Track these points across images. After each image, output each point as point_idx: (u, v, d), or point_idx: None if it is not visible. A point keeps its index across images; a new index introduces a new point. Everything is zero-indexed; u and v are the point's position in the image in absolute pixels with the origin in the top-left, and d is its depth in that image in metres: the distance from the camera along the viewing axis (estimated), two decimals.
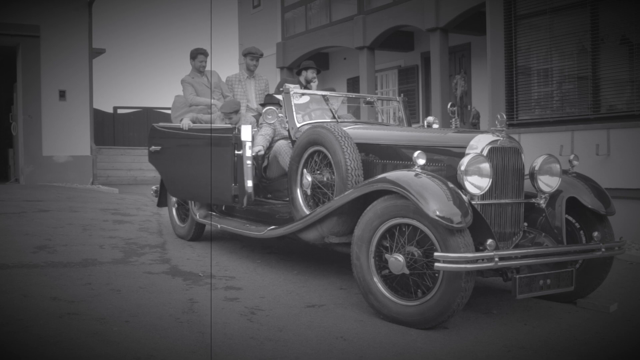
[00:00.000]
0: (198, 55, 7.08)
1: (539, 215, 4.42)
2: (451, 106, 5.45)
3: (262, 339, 3.67)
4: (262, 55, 7.26)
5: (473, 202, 3.98)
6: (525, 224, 4.40)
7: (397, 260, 3.95)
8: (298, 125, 5.57)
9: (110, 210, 8.99)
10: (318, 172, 5.04)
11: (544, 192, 4.41)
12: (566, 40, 7.64)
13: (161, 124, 6.93)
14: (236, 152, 5.48)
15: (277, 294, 4.75)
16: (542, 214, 4.40)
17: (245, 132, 5.38)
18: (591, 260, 4.46)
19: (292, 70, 14.30)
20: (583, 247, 4.34)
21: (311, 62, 7.54)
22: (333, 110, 5.81)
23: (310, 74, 7.28)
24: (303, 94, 5.86)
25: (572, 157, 4.79)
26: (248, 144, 5.40)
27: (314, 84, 7.29)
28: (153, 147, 6.65)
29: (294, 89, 5.76)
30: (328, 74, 15.53)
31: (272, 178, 5.87)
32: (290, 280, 5.21)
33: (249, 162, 5.41)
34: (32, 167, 13.33)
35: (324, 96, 5.94)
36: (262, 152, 5.87)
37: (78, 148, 13.45)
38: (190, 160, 6.27)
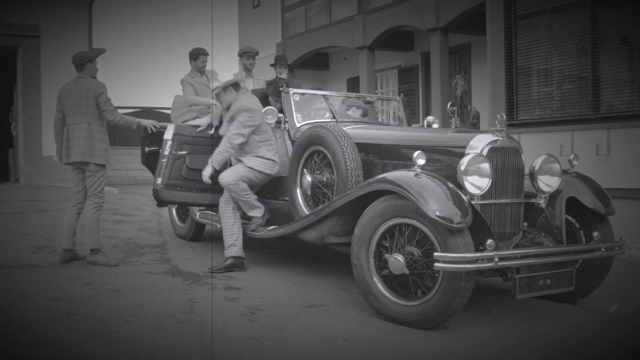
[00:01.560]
0: (200, 55, 7.07)
1: (538, 215, 4.42)
2: (451, 106, 5.45)
3: (262, 339, 3.67)
4: (257, 53, 7.23)
5: (473, 202, 3.98)
6: (525, 224, 4.40)
7: (397, 260, 3.95)
8: (298, 125, 5.57)
9: (110, 210, 8.98)
10: (318, 172, 5.04)
11: (543, 192, 4.41)
12: (566, 40, 7.64)
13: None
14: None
15: (277, 294, 4.75)
16: (542, 214, 4.40)
17: (168, 131, 5.63)
18: (591, 260, 4.46)
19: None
20: (583, 247, 4.34)
21: (281, 57, 7.52)
22: (333, 110, 5.81)
23: (278, 68, 7.34)
24: (304, 94, 5.85)
25: (572, 157, 4.79)
26: (169, 143, 5.61)
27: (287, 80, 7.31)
28: (148, 148, 6.60)
29: (292, 89, 5.76)
30: (328, 74, 15.53)
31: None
32: (290, 280, 5.21)
33: (164, 160, 5.59)
34: (32, 167, 13.33)
35: (324, 96, 5.95)
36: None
37: None
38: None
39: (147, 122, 6.03)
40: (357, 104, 6.24)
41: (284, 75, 7.40)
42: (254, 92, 6.51)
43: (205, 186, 5.59)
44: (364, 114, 6.14)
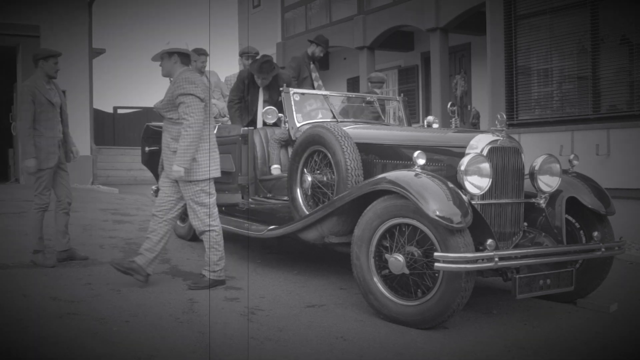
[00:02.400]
0: (199, 56, 7.09)
1: (538, 215, 4.42)
2: (451, 106, 5.45)
3: (262, 339, 3.67)
4: (257, 53, 7.25)
5: (473, 202, 3.98)
6: (525, 223, 4.40)
7: (397, 260, 3.95)
8: (298, 125, 5.57)
9: (110, 210, 8.99)
10: (318, 172, 5.04)
11: (544, 192, 4.41)
12: (566, 40, 7.64)
13: (155, 123, 6.83)
14: None
15: (277, 294, 4.75)
16: (542, 214, 4.40)
17: None
18: (591, 260, 4.46)
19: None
20: (583, 247, 4.34)
21: (323, 39, 7.50)
22: (333, 110, 5.81)
23: (318, 51, 7.32)
24: (303, 94, 5.85)
25: (572, 156, 4.79)
26: None
27: (315, 73, 7.32)
28: (148, 147, 6.58)
29: (292, 89, 5.77)
30: (328, 74, 15.52)
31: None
32: (290, 280, 5.21)
33: None
34: None
35: (324, 96, 5.95)
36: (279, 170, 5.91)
37: (78, 148, 13.44)
38: None
39: (29, 164, 5.43)
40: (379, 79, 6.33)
41: (317, 52, 7.36)
42: (241, 72, 6.57)
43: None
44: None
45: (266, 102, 6.38)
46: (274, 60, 7.04)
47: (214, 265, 4.87)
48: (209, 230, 4.85)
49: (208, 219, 4.85)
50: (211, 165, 4.85)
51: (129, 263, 4.87)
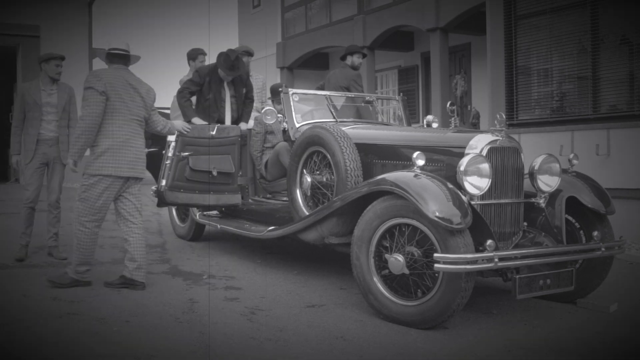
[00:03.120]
0: (198, 55, 7.09)
1: (538, 214, 4.42)
2: (450, 105, 5.44)
3: (262, 339, 3.67)
4: (248, 52, 7.13)
5: (473, 203, 3.98)
6: (525, 223, 4.40)
7: (397, 260, 3.95)
8: (297, 125, 5.56)
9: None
10: (317, 172, 5.04)
11: (543, 192, 4.41)
12: (566, 40, 7.64)
13: None
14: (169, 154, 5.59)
15: (277, 294, 4.75)
16: (542, 214, 4.40)
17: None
18: (591, 260, 4.45)
19: (291, 72, 14.28)
20: (583, 246, 4.33)
21: (357, 47, 7.57)
22: (333, 111, 5.81)
23: (356, 58, 7.36)
24: (304, 94, 5.85)
25: (571, 156, 4.78)
26: (172, 144, 5.57)
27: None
28: (147, 149, 6.57)
29: (292, 89, 5.77)
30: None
31: (272, 179, 5.88)
32: (290, 280, 5.21)
33: (167, 162, 5.59)
34: None
35: (326, 96, 5.95)
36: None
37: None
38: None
39: (13, 160, 5.94)
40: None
41: (356, 61, 7.38)
42: (201, 68, 6.28)
43: (208, 187, 5.58)
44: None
45: (233, 97, 6.19)
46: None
47: (79, 266, 4.76)
48: (134, 225, 5.04)
49: (82, 219, 4.83)
50: (120, 163, 4.84)
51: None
